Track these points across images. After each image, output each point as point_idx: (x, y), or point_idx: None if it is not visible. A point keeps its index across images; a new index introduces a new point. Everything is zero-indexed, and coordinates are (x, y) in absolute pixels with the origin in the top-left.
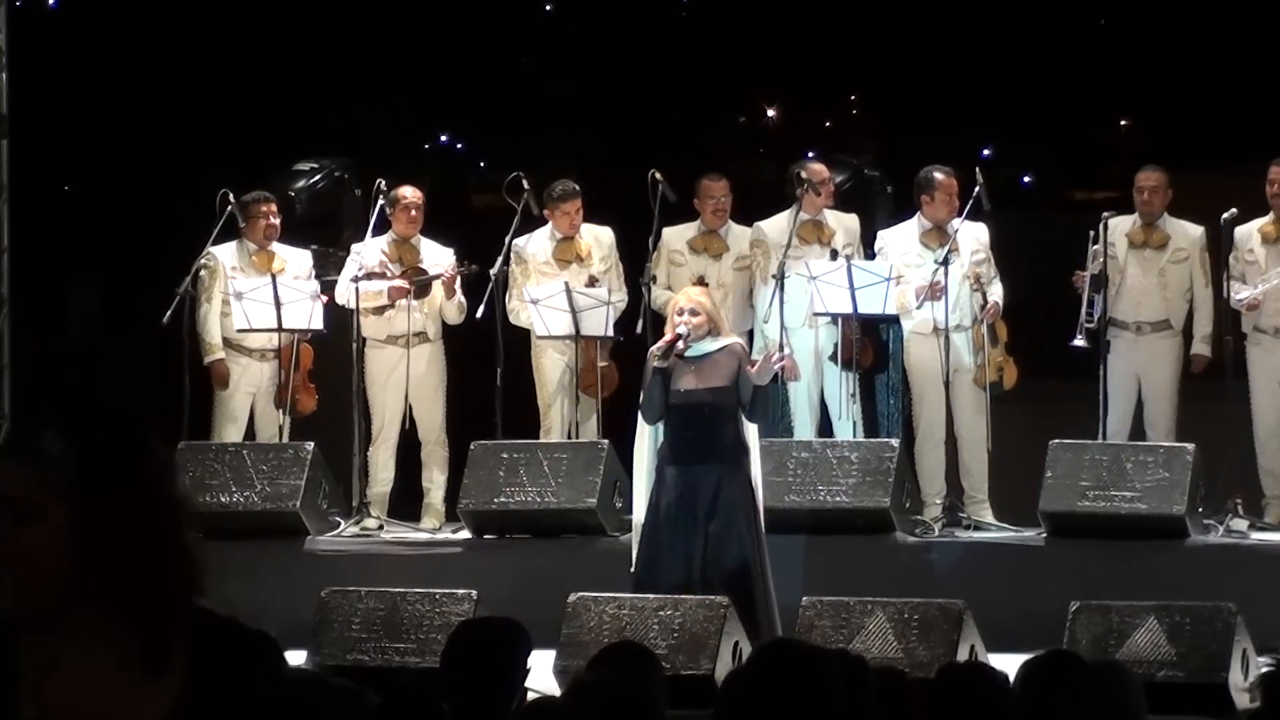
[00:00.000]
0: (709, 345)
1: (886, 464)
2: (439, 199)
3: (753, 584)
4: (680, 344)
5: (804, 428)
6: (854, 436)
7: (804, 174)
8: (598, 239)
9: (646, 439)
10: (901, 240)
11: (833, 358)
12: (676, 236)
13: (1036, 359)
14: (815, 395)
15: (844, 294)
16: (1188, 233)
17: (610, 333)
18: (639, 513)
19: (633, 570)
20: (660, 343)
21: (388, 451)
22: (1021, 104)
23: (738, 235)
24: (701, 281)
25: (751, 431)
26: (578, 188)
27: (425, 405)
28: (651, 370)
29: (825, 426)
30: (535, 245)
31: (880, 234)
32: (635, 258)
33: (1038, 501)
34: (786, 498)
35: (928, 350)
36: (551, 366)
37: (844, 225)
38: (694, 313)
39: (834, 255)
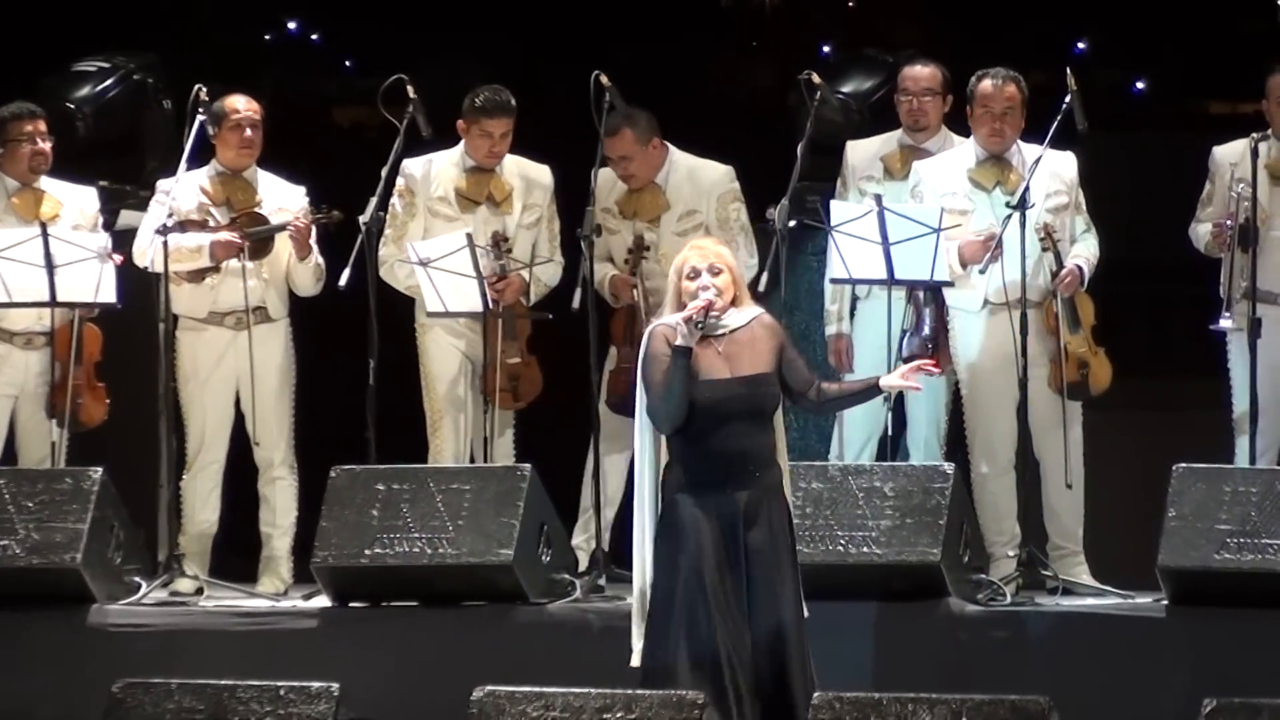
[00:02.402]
0: (734, 317)
1: (936, 499)
2: (286, 114)
3: (789, 661)
4: (713, 314)
5: (854, 444)
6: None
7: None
8: (528, 180)
9: (649, 457)
10: (944, 175)
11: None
12: (607, 188)
13: (1142, 349)
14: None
15: (874, 252)
16: None
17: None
18: (640, 571)
19: (638, 663)
20: (690, 310)
21: (210, 480)
22: None
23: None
24: (641, 244)
25: (782, 440)
26: (513, 102)
27: (264, 413)
28: (670, 351)
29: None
30: (434, 170)
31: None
32: (569, 200)
33: (1154, 554)
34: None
35: (979, 335)
36: (444, 357)
37: None
38: (714, 271)
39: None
